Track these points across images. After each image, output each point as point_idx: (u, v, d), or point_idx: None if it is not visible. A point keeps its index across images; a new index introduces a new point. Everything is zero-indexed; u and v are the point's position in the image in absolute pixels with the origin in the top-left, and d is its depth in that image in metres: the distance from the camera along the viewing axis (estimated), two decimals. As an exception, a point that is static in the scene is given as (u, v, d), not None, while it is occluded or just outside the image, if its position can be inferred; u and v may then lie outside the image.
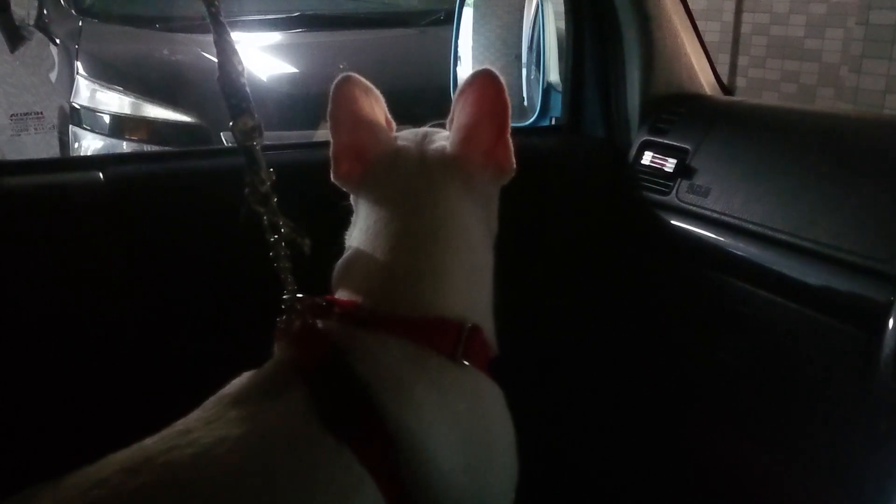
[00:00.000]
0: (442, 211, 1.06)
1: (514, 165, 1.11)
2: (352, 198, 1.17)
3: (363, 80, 1.11)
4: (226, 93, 0.99)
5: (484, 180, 1.11)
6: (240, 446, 0.86)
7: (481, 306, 1.08)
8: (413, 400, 0.93)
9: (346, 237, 1.13)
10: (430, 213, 1.06)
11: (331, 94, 1.07)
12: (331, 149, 1.12)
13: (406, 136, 1.15)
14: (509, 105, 1.07)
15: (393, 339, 0.97)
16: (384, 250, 1.04)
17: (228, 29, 0.97)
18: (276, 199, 1.03)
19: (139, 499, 0.80)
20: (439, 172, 1.08)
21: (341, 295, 1.05)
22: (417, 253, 1.04)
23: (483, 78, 1.06)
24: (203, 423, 0.89)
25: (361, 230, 1.09)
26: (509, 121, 1.09)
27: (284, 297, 1.04)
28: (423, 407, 0.94)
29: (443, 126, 1.17)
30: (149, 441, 0.88)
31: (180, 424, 0.90)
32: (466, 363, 0.99)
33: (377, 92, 1.12)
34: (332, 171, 1.13)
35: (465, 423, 0.97)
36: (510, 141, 1.09)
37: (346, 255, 1.10)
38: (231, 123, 1.00)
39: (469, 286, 1.06)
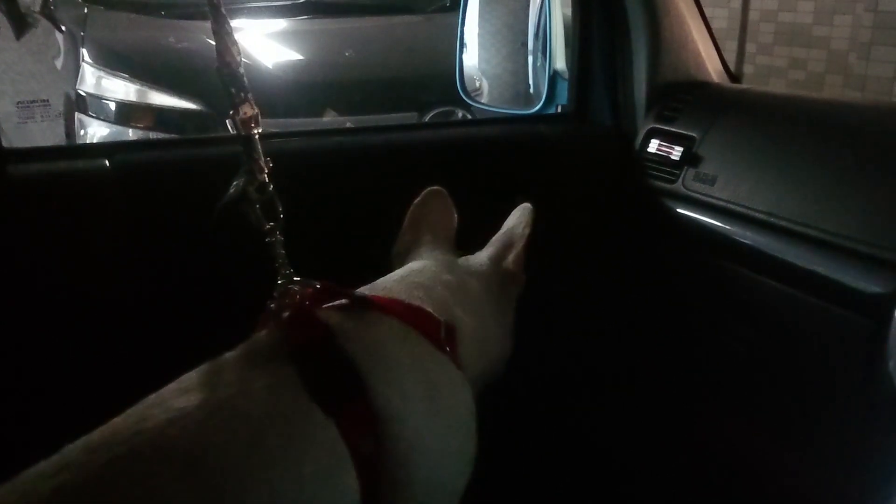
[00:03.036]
0: (475, 290, 1.17)
1: (524, 278, 1.24)
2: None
3: (449, 199, 1.28)
4: (224, 82, 1.02)
5: (508, 286, 1.24)
6: (223, 410, 0.84)
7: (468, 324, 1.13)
8: (400, 379, 0.96)
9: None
10: (462, 285, 1.16)
11: (422, 194, 1.25)
12: (401, 230, 1.26)
13: None
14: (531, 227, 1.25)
15: (384, 318, 1.00)
16: (412, 286, 1.10)
17: (228, 18, 1.01)
18: (272, 187, 1.06)
19: (110, 472, 0.76)
20: (479, 264, 1.23)
21: None
22: (440, 293, 1.11)
23: (524, 210, 1.26)
24: (178, 392, 0.87)
25: (395, 272, 1.17)
26: (526, 238, 1.24)
27: (279, 281, 1.05)
28: (407, 388, 0.96)
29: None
30: (118, 418, 0.84)
31: (153, 397, 0.87)
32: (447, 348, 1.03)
33: (454, 215, 1.28)
34: (393, 247, 1.26)
35: (442, 409, 0.99)
36: (524, 252, 1.23)
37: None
38: (230, 112, 1.04)
39: (464, 311, 1.12)
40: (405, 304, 1.04)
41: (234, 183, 1.06)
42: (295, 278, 1.06)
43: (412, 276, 1.13)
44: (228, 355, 0.95)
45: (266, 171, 1.05)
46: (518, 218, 1.27)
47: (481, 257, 1.25)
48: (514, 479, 1.10)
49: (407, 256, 1.23)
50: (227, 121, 2.81)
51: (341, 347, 0.95)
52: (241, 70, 1.03)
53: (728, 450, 1.52)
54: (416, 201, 1.26)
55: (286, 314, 1.01)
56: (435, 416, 0.98)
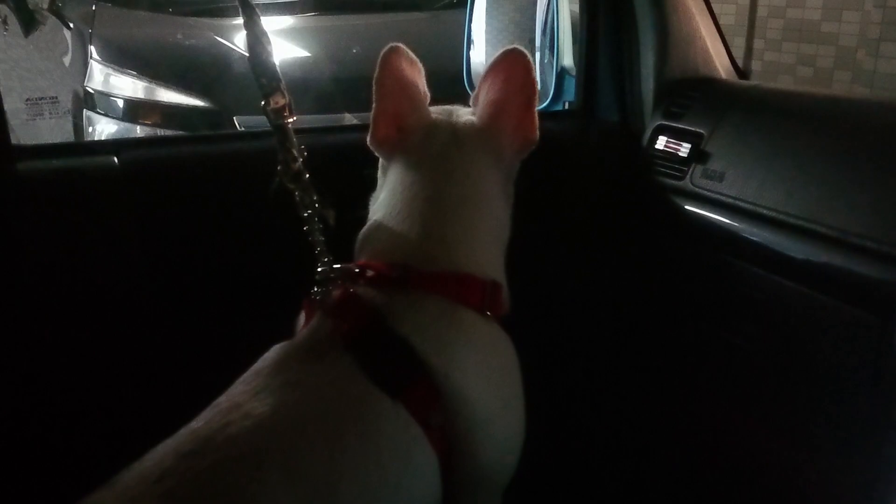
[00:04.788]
0: (473, 179, 1.12)
1: (538, 136, 1.17)
2: (380, 164, 1.20)
3: (409, 51, 1.13)
4: (256, 73, 1.04)
5: (510, 152, 1.18)
6: (298, 410, 0.88)
7: (500, 266, 1.13)
8: (456, 357, 0.98)
9: (371, 201, 1.18)
10: (462, 180, 1.11)
11: (378, 60, 1.10)
12: (371, 112, 1.14)
13: (435, 110, 1.19)
14: (537, 80, 1.16)
15: (429, 297, 1.01)
16: (419, 212, 1.08)
17: (257, 11, 1.04)
18: (307, 175, 1.07)
19: (213, 479, 0.81)
20: (472, 143, 1.14)
21: (367, 259, 1.08)
22: (451, 216, 1.08)
23: (513, 56, 1.14)
24: (249, 395, 0.90)
25: (393, 193, 1.12)
26: (537, 95, 1.16)
27: (319, 269, 1.06)
28: (464, 362, 0.99)
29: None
30: (196, 424, 0.88)
31: (224, 401, 0.91)
32: (489, 314, 1.05)
33: (420, 64, 1.15)
34: (369, 135, 1.16)
35: (496, 375, 1.03)
36: (536, 114, 1.16)
37: (372, 221, 1.13)
38: (262, 103, 1.05)
39: (493, 248, 1.12)
40: (446, 275, 1.04)
41: (279, 168, 1.07)
42: (335, 265, 1.07)
43: (414, 212, 1.08)
44: (285, 350, 0.98)
45: (301, 159, 1.07)
46: (506, 66, 1.15)
47: (474, 139, 1.14)
48: (522, 477, 1.11)
49: (391, 154, 1.17)
50: (235, 118, 2.83)
51: (394, 331, 0.97)
52: (273, 60, 1.05)
53: (734, 446, 1.52)
54: (375, 75, 1.12)
55: (333, 301, 1.02)
56: (492, 384, 1.02)
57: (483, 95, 1.17)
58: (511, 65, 1.14)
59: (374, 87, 1.12)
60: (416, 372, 0.95)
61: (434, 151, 1.13)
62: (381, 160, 1.20)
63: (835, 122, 1.42)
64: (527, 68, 1.14)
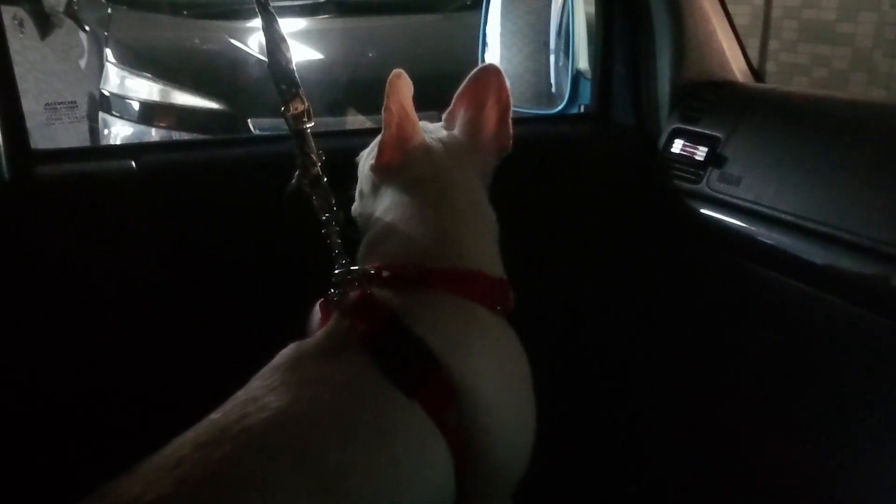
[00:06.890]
0: (470, 187, 1.17)
1: (512, 143, 1.23)
2: (371, 183, 1.21)
3: (405, 73, 1.14)
4: (276, 79, 1.08)
5: (490, 161, 1.24)
6: (315, 405, 0.91)
7: (501, 264, 1.16)
8: (470, 354, 1.00)
9: (357, 216, 1.21)
10: (464, 189, 1.15)
11: (387, 88, 1.10)
12: (380, 138, 1.15)
13: None
14: (510, 93, 1.21)
15: (444, 294, 1.04)
16: (430, 218, 1.11)
17: (276, 16, 1.07)
18: (325, 180, 1.11)
19: (226, 467, 0.83)
20: (462, 157, 1.19)
21: (379, 262, 1.09)
22: (458, 220, 1.11)
23: (488, 73, 1.19)
24: (266, 389, 0.92)
25: (401, 204, 1.14)
26: (511, 109, 1.21)
27: (336, 271, 1.08)
28: (478, 359, 1.01)
29: (434, 118, 1.26)
30: (214, 415, 0.90)
31: (242, 395, 0.93)
32: (499, 309, 1.08)
33: (411, 84, 1.16)
34: (374, 161, 1.17)
35: (509, 372, 1.06)
36: (511, 125, 1.22)
37: (380, 226, 1.14)
38: (282, 108, 1.09)
39: (493, 247, 1.15)
40: (460, 272, 1.07)
41: (297, 173, 1.11)
42: (353, 267, 1.09)
43: (427, 218, 1.11)
44: (302, 347, 1.00)
45: (319, 164, 1.10)
46: (482, 83, 1.20)
47: (463, 154, 1.19)
48: (529, 477, 1.11)
49: (391, 177, 1.17)
50: (250, 121, 2.84)
51: (410, 330, 0.99)
52: (293, 66, 1.08)
53: (752, 450, 1.51)
54: (384, 103, 1.10)
55: (350, 302, 1.04)
56: (504, 381, 1.04)
57: (461, 112, 1.22)
58: (486, 81, 1.19)
59: (383, 115, 1.12)
60: (431, 370, 0.97)
61: (435, 167, 1.16)
62: (372, 180, 1.20)
63: (852, 126, 1.42)
64: (501, 85, 1.19)
